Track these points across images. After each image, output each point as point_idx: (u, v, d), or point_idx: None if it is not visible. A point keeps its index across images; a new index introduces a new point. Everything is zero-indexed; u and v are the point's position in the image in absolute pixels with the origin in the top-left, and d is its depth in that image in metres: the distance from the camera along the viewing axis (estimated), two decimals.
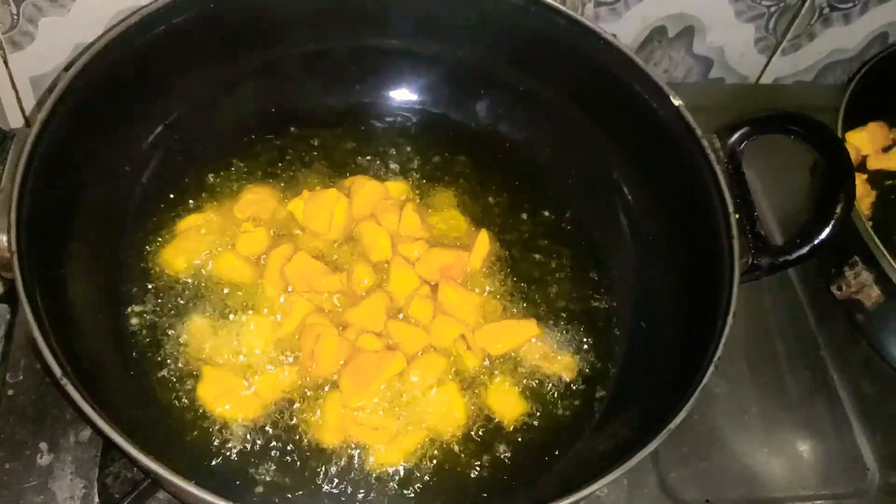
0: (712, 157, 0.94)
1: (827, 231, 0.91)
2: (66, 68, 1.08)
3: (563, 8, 1.03)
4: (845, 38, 1.42)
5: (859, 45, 1.44)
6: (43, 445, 0.93)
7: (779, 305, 1.17)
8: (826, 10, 1.35)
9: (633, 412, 0.92)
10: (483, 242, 1.04)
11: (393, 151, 1.12)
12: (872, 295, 1.05)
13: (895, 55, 1.21)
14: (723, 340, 0.81)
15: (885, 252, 1.01)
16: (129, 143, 1.00)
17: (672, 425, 0.75)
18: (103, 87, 0.92)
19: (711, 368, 0.79)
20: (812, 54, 1.44)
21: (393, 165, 1.11)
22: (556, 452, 0.93)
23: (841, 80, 1.50)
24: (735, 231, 0.88)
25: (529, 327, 0.99)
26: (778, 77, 1.47)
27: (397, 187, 1.09)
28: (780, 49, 1.41)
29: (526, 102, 1.14)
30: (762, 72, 1.45)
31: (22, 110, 1.20)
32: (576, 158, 1.12)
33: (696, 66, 1.41)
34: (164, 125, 1.03)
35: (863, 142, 1.21)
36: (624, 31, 1.30)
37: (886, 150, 1.23)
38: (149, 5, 0.95)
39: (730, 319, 0.83)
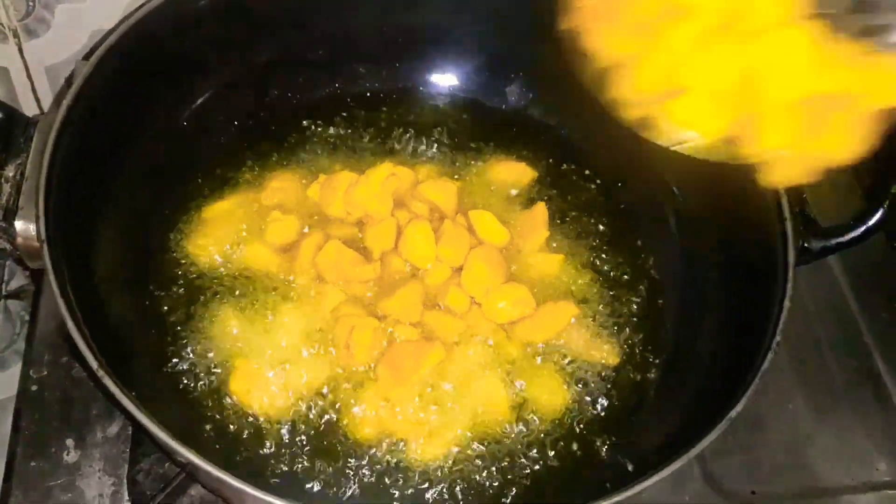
0: None
1: (881, 212, 0.87)
2: (85, 57, 1.05)
3: None
4: None
5: None
6: (69, 442, 0.91)
7: (817, 289, 1.14)
8: None
9: (682, 402, 0.89)
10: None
11: (424, 135, 1.10)
12: None
13: None
14: (780, 325, 0.78)
15: None
16: (156, 127, 0.97)
17: (733, 413, 0.73)
18: (129, 72, 0.90)
19: (770, 355, 0.76)
20: None
21: (424, 149, 1.09)
22: (605, 443, 0.90)
23: None
24: (787, 213, 0.85)
25: (567, 308, 0.96)
26: None
27: (427, 171, 1.06)
28: None
29: (558, 84, 1.10)
30: None
31: (37, 100, 1.16)
32: (612, 141, 1.09)
33: None
34: (189, 110, 1.01)
35: None
36: None
37: None
38: None
39: (786, 304, 0.80)
